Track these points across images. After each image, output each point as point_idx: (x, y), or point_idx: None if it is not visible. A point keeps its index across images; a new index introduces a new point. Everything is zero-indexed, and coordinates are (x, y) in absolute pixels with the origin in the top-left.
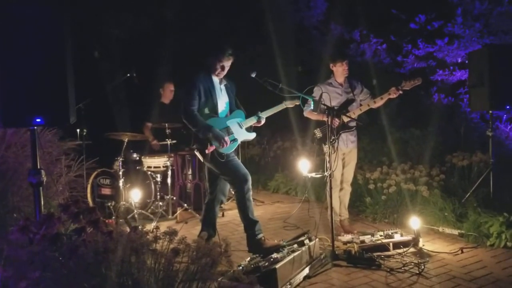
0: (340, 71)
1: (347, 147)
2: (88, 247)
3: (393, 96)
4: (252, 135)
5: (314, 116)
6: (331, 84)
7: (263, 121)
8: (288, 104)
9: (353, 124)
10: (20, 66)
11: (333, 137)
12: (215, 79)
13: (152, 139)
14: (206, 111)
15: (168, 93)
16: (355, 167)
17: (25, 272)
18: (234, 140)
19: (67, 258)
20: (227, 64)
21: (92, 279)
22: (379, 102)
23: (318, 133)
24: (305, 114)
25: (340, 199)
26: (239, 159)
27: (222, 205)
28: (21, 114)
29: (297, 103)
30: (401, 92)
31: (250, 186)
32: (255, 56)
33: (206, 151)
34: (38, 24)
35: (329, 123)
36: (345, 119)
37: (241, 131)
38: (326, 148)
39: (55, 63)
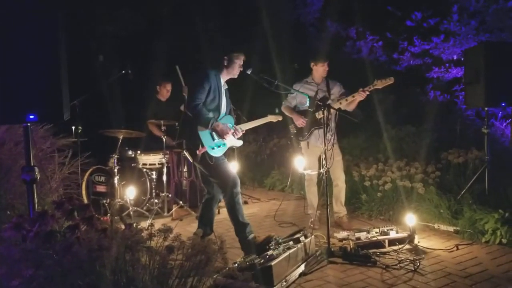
0: (320, 71)
1: (321, 144)
2: (82, 244)
3: (359, 98)
4: (239, 142)
5: (287, 112)
6: (307, 81)
7: (239, 132)
8: (271, 118)
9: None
10: (13, 61)
11: (305, 133)
12: (222, 80)
13: (163, 134)
14: (211, 108)
15: (164, 92)
16: (343, 163)
17: (18, 270)
18: (223, 145)
19: (61, 255)
20: (242, 62)
21: (86, 277)
22: (344, 104)
23: (292, 129)
24: (282, 108)
25: (335, 196)
26: (235, 156)
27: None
28: (14, 111)
29: (280, 119)
30: (368, 92)
31: (239, 190)
32: (250, 53)
33: (197, 152)
34: (32, 20)
35: (324, 120)
36: (317, 116)
37: (230, 136)
38: (301, 143)
39: (49, 59)
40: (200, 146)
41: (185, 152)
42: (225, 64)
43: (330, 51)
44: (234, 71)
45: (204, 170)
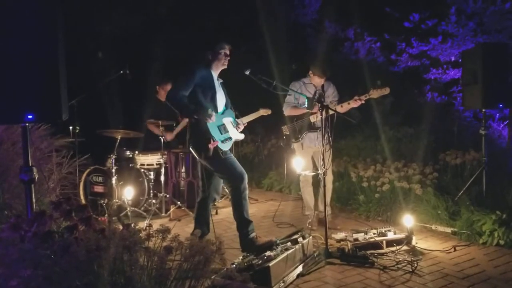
0: (316, 81)
1: (315, 146)
2: (80, 245)
3: (354, 105)
4: (242, 136)
5: (295, 112)
6: (304, 82)
7: (241, 126)
8: (263, 112)
9: (319, 125)
10: (11, 61)
11: (298, 136)
12: (214, 75)
13: (162, 133)
14: (206, 101)
15: (162, 93)
16: (334, 165)
17: (16, 270)
18: (229, 138)
19: (59, 256)
20: (228, 50)
21: (84, 277)
22: (339, 109)
23: (285, 130)
24: (287, 112)
25: (322, 196)
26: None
27: (216, 203)
28: (12, 111)
29: (269, 112)
30: (363, 101)
31: (246, 185)
32: (249, 53)
33: (210, 146)
34: (30, 19)
35: (323, 121)
36: (312, 120)
37: (234, 130)
38: (294, 145)
39: (47, 59)
40: (212, 140)
41: (191, 149)
42: (210, 58)
43: (327, 52)
44: (221, 62)
45: (210, 166)
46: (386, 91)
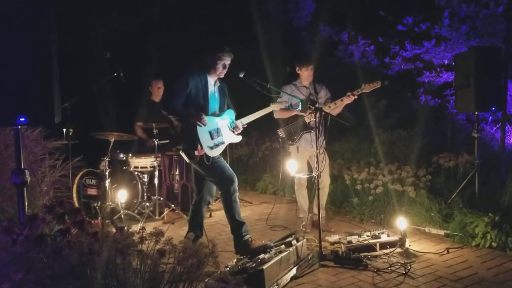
0: (305, 75)
1: (312, 147)
2: (72, 248)
3: (347, 101)
4: (238, 138)
5: (285, 114)
6: (296, 85)
7: (240, 128)
8: (274, 107)
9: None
10: (3, 64)
11: (295, 138)
12: (211, 80)
13: (146, 139)
14: (196, 109)
15: (156, 90)
16: (330, 168)
17: (8, 274)
18: (222, 143)
19: (51, 259)
20: (228, 62)
21: (77, 281)
22: (333, 107)
23: (281, 133)
24: (276, 114)
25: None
26: (227, 159)
27: (209, 206)
28: (5, 113)
29: (282, 107)
30: (356, 97)
31: (237, 188)
32: (243, 56)
33: (196, 153)
34: (23, 22)
35: (316, 123)
36: (307, 120)
37: (229, 133)
38: (290, 148)
39: (40, 61)
40: (199, 147)
41: (181, 153)
42: (209, 64)
43: (321, 55)
44: (218, 72)
45: (201, 170)
46: (378, 84)
